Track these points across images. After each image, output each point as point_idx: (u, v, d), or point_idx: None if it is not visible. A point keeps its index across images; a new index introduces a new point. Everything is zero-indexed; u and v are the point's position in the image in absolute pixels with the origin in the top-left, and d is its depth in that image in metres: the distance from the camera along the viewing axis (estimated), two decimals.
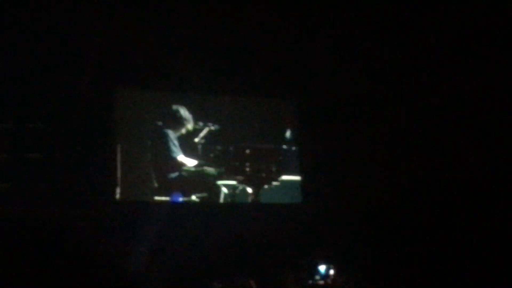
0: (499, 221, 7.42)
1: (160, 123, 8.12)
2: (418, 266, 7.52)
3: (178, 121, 8.18)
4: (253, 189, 8.43)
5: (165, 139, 8.09)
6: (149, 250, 7.35)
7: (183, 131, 8.20)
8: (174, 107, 8.18)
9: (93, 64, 7.63)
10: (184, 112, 8.20)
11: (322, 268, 7.56)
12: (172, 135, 8.13)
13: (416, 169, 8.09)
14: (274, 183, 8.50)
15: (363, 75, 8.24)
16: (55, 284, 2.43)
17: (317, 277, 7.57)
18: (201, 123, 8.28)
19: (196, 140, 8.25)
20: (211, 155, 8.34)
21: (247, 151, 8.44)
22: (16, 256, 2.45)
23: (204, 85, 8.11)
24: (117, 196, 7.94)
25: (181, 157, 8.17)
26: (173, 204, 8.08)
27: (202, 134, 8.27)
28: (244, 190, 8.41)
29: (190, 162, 8.21)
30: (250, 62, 8.03)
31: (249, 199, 8.40)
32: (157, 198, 8.10)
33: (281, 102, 8.76)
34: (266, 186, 8.47)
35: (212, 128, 8.30)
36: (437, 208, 7.87)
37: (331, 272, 7.54)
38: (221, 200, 8.34)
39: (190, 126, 8.20)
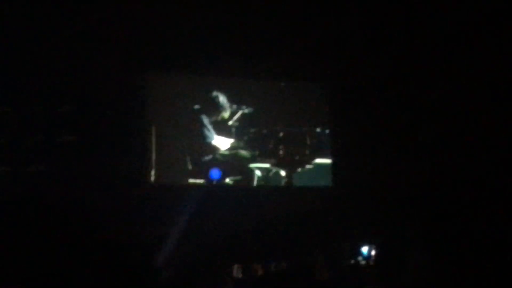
0: None
1: (197, 107, 8.23)
2: (460, 245, 7.38)
3: (216, 107, 8.29)
4: (286, 172, 8.47)
5: (200, 123, 8.20)
6: (182, 232, 7.46)
7: (219, 117, 8.30)
8: (214, 93, 8.31)
9: (127, 48, 7.71)
10: (222, 99, 8.32)
11: (364, 249, 7.59)
12: (206, 120, 8.24)
13: (450, 152, 8.01)
14: (308, 166, 8.53)
15: (392, 57, 8.20)
16: (90, 265, 2.47)
17: (359, 258, 7.62)
18: (235, 106, 8.35)
19: (230, 123, 8.34)
20: (245, 138, 8.42)
21: (281, 134, 8.48)
22: (51, 237, 2.49)
23: (238, 70, 8.15)
24: (152, 178, 8.06)
25: (215, 141, 8.28)
26: (210, 183, 8.16)
27: (236, 117, 8.35)
28: (278, 173, 8.46)
29: (224, 145, 8.31)
30: (281, 47, 8.00)
31: (282, 182, 8.45)
32: (191, 180, 8.22)
33: (312, 85, 8.76)
34: (299, 169, 8.51)
35: (246, 111, 8.37)
36: (473, 191, 7.49)
37: (373, 252, 7.54)
38: (255, 183, 8.41)
39: (226, 113, 8.31)
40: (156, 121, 8.16)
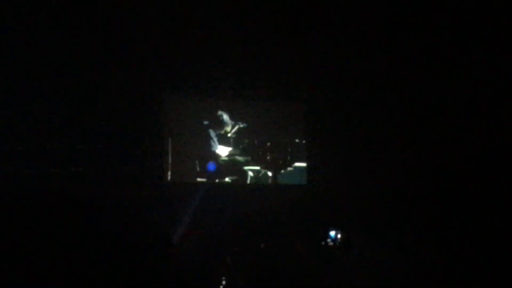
0: None
1: (206, 123, 8.78)
2: (413, 232, 7.19)
3: (220, 123, 8.84)
4: (272, 173, 8.96)
5: (207, 136, 8.82)
6: (191, 219, 7.82)
7: (222, 131, 8.92)
8: (219, 112, 8.80)
9: (149, 72, 8.08)
10: (226, 117, 8.87)
11: (332, 233, 7.67)
12: (213, 133, 8.86)
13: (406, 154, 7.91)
14: (289, 168, 9.02)
15: (358, 81, 8.29)
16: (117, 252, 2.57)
17: (328, 240, 7.63)
18: (233, 122, 8.93)
19: (229, 135, 8.94)
20: (240, 146, 8.95)
21: (268, 144, 8.99)
22: (87, 230, 2.56)
23: (237, 93, 8.71)
24: (169, 178, 8.75)
25: (218, 150, 8.90)
26: (209, 176, 8.59)
27: (233, 130, 8.90)
28: (266, 174, 8.96)
29: (224, 153, 8.92)
30: (270, 75, 8.51)
31: (270, 181, 8.98)
32: (199, 179, 8.94)
33: (292, 105, 9.13)
34: (282, 171, 9.00)
35: (241, 125, 8.91)
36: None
37: (339, 236, 7.64)
38: (248, 181, 8.95)
39: (228, 128, 8.89)
40: (172, 133, 8.86)
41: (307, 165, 8.80)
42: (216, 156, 8.85)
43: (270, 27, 7.85)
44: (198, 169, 8.92)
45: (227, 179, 8.91)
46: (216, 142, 8.83)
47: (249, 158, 8.95)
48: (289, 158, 8.98)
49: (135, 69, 8.04)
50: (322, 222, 7.68)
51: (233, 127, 8.89)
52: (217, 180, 8.94)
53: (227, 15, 7.79)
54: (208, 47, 8.12)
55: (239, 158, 8.94)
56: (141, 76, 8.14)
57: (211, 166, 8.72)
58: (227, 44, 8.07)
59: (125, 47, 7.85)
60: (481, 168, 7.02)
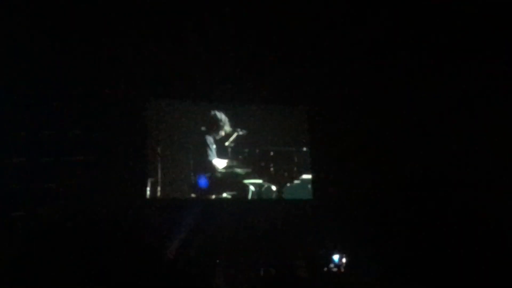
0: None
1: (203, 129, 8.31)
2: (422, 256, 7.14)
3: (218, 125, 8.33)
4: (277, 186, 8.49)
5: (203, 144, 8.27)
6: (184, 239, 7.46)
7: (222, 133, 8.35)
8: (212, 112, 8.36)
9: (132, 75, 7.74)
10: (221, 115, 8.40)
11: (336, 257, 7.56)
12: (210, 140, 8.30)
13: (411, 165, 7.93)
14: (296, 181, 8.56)
15: (363, 83, 8.22)
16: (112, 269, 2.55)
17: (331, 265, 7.56)
18: (230, 129, 8.43)
19: (227, 144, 8.41)
20: (240, 157, 8.49)
21: (271, 153, 8.56)
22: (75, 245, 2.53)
23: (234, 96, 8.27)
24: (158, 193, 8.18)
25: (216, 160, 8.36)
26: (199, 191, 8.10)
27: (231, 138, 8.42)
28: (269, 188, 8.51)
29: (221, 164, 8.39)
30: (271, 76, 8.14)
31: (273, 196, 8.47)
32: (193, 195, 8.32)
33: (298, 108, 8.79)
34: (288, 184, 8.53)
35: (240, 133, 8.44)
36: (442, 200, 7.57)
37: (344, 260, 7.55)
38: (249, 197, 8.45)
39: (227, 128, 8.36)
40: (161, 142, 8.27)
41: (312, 177, 8.58)
42: (213, 168, 8.39)
43: (272, 24, 7.65)
44: (193, 183, 8.38)
45: (224, 195, 8.47)
46: (214, 151, 8.34)
47: (250, 170, 8.56)
48: (295, 169, 8.62)
49: (117, 74, 7.82)
50: (327, 244, 7.63)
51: (231, 134, 8.46)
52: (213, 196, 8.39)
53: (223, 9, 7.53)
54: (202, 44, 7.79)
55: (239, 170, 8.52)
56: (122, 79, 7.86)
57: (202, 181, 8.22)
58: (223, 41, 7.77)
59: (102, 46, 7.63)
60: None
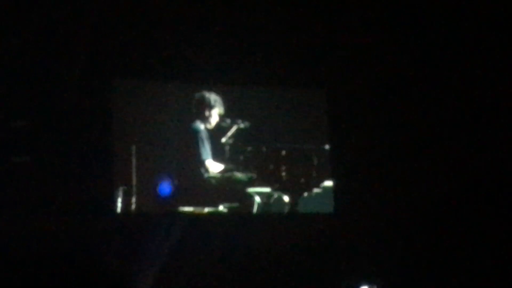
0: None
1: (197, 122, 7.68)
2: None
3: (210, 111, 7.69)
4: (290, 197, 7.86)
5: (195, 138, 7.61)
6: (167, 265, 6.95)
7: (216, 117, 7.68)
8: (197, 94, 7.75)
9: (92, 52, 7.20)
10: (209, 94, 7.75)
11: None
12: (203, 132, 7.65)
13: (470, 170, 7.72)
14: (316, 189, 7.93)
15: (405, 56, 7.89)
16: None
17: None
18: (228, 120, 7.74)
19: (223, 140, 7.70)
20: (241, 157, 7.79)
21: (283, 153, 7.89)
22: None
23: (230, 75, 7.64)
24: (133, 206, 7.38)
25: (209, 162, 7.66)
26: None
27: (229, 133, 7.72)
28: (280, 199, 7.85)
29: (216, 167, 7.69)
30: (280, 48, 7.66)
31: (286, 209, 7.83)
32: (180, 208, 7.53)
33: (317, 92, 8.28)
34: (306, 194, 7.90)
35: (242, 126, 7.75)
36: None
37: None
38: (254, 210, 7.78)
39: (221, 108, 7.70)
40: (136, 138, 7.45)
41: (334, 184, 8.12)
42: (205, 170, 7.73)
43: None
44: (178, 192, 7.70)
45: (221, 208, 7.78)
46: (208, 147, 7.66)
47: (254, 175, 7.90)
48: (314, 174, 8.06)
49: (73, 47, 7.25)
50: (349, 274, 7.61)
51: (229, 128, 7.82)
52: (206, 209, 7.70)
53: None
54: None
55: (239, 176, 7.83)
56: (80, 52, 7.25)
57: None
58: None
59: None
60: None
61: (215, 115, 7.72)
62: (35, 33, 6.92)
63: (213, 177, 7.62)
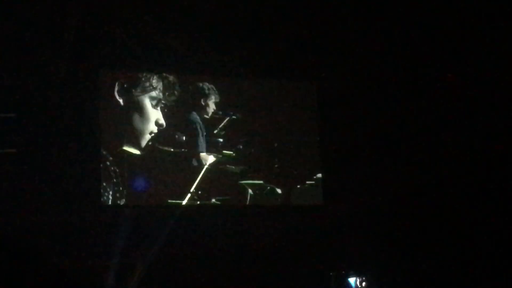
0: None
1: (194, 113, 7.67)
2: (459, 276, 7.39)
3: (203, 95, 7.65)
4: (283, 189, 7.87)
5: (190, 130, 7.56)
6: (157, 260, 7.04)
7: (213, 106, 7.66)
8: (191, 85, 7.74)
9: (76, 43, 7.12)
10: (202, 84, 7.71)
11: (352, 280, 7.20)
12: (199, 123, 7.64)
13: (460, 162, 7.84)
14: (309, 182, 7.93)
15: (391, 54, 7.98)
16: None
17: None
18: (220, 112, 7.72)
19: (215, 132, 7.69)
20: (233, 149, 7.79)
21: (276, 145, 7.91)
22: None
23: (223, 67, 7.65)
24: (123, 200, 7.30)
25: (203, 154, 7.66)
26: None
27: (221, 125, 7.71)
28: (273, 191, 7.87)
29: (208, 159, 7.68)
30: (270, 41, 7.68)
31: (279, 201, 7.83)
32: (170, 201, 7.50)
33: (308, 84, 8.30)
34: (298, 186, 7.90)
35: (234, 117, 7.75)
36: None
37: (363, 285, 7.20)
38: (247, 202, 7.79)
39: (216, 97, 7.68)
40: (128, 127, 7.35)
41: (323, 176, 8.18)
42: (200, 162, 7.69)
43: None
44: (171, 185, 7.65)
45: (213, 200, 7.74)
46: (202, 139, 7.63)
47: (246, 167, 7.95)
48: (307, 166, 8.14)
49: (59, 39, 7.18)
50: (338, 264, 7.58)
51: (221, 120, 7.80)
52: (198, 202, 7.66)
53: None
54: None
55: (232, 168, 7.85)
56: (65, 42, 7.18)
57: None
58: None
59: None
60: None
61: (211, 104, 7.73)
62: (20, 24, 6.86)
63: (206, 169, 7.61)
